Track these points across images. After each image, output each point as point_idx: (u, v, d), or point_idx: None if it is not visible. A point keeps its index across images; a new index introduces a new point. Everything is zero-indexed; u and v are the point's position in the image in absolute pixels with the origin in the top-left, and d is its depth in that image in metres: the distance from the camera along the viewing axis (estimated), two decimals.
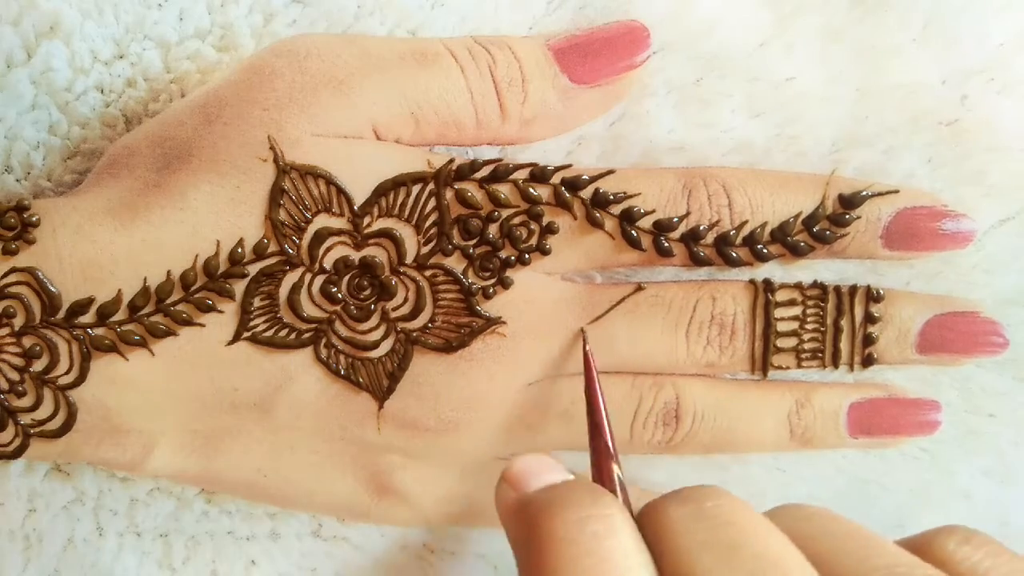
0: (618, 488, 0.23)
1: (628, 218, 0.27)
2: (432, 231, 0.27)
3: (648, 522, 0.20)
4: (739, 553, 0.18)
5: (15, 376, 0.26)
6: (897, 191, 0.28)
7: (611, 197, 0.27)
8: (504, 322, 0.27)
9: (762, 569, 0.18)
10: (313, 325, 0.27)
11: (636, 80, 0.28)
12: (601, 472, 0.24)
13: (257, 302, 0.26)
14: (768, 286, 0.29)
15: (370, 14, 0.28)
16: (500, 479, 0.22)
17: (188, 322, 0.26)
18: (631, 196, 0.27)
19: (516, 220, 0.27)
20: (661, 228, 0.27)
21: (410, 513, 0.30)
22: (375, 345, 0.27)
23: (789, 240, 0.28)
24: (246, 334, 0.26)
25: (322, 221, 0.26)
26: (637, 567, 0.19)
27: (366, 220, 0.26)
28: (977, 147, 0.29)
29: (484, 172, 0.27)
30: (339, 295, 0.27)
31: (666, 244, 0.28)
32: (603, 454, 0.24)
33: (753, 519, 0.19)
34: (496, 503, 0.22)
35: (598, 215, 0.27)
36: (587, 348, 0.27)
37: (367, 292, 0.27)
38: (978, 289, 0.30)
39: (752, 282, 0.29)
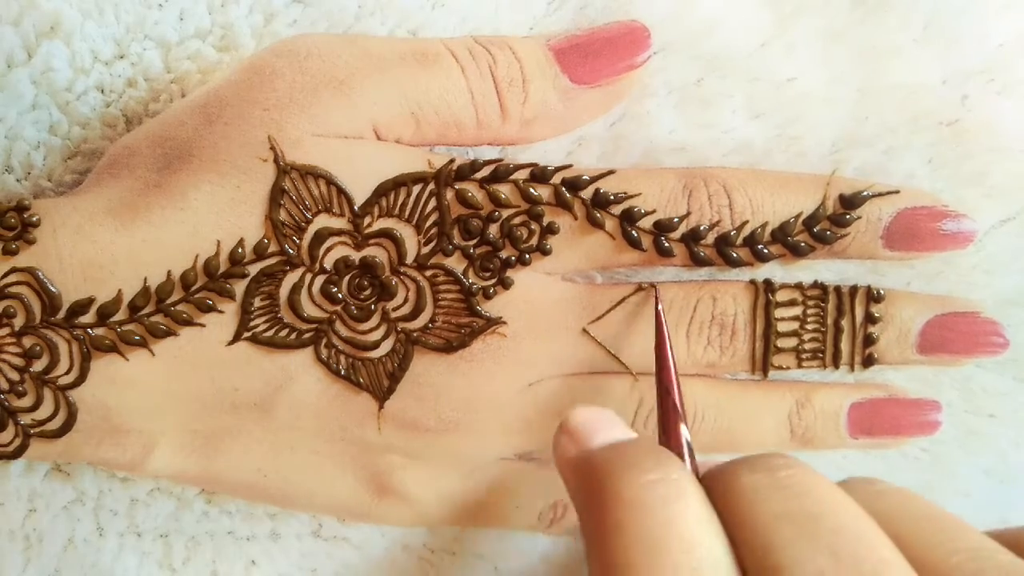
0: (686, 450, 0.23)
1: (629, 218, 0.27)
2: (432, 231, 0.27)
3: (717, 488, 0.20)
4: (820, 525, 0.18)
5: (15, 376, 0.26)
6: (898, 191, 0.28)
7: (612, 197, 0.27)
8: (504, 322, 0.27)
9: (845, 543, 0.17)
10: (313, 325, 0.27)
11: (637, 80, 0.28)
12: (669, 433, 0.23)
13: (257, 302, 0.26)
14: (769, 286, 0.29)
15: (371, 14, 0.28)
16: (559, 430, 0.22)
17: (188, 322, 0.26)
18: (632, 196, 0.27)
19: (516, 220, 0.27)
20: (662, 228, 0.27)
21: (410, 513, 0.30)
22: (375, 345, 0.27)
23: (790, 240, 0.28)
24: (246, 334, 0.26)
25: (322, 221, 0.26)
26: (707, 535, 0.18)
27: (366, 220, 0.26)
28: (978, 147, 0.29)
29: (485, 172, 0.27)
30: (339, 295, 0.27)
31: (667, 244, 0.28)
32: (672, 414, 0.24)
33: (830, 491, 0.19)
34: (555, 455, 0.22)
35: (599, 215, 0.27)
36: (659, 307, 0.27)
37: (367, 292, 0.27)
38: (979, 289, 0.30)
39: (753, 282, 0.29)
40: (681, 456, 0.23)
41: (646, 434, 0.29)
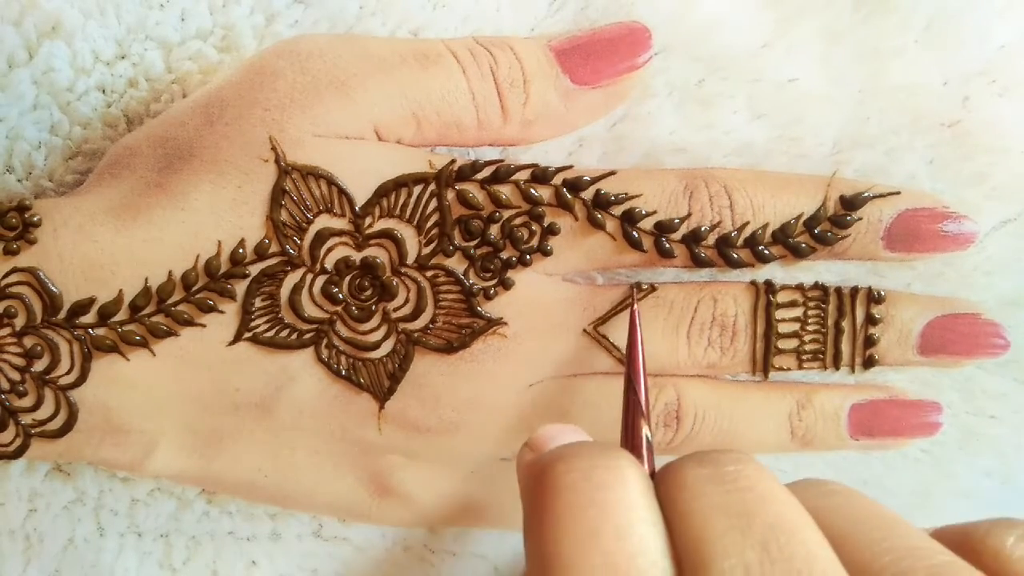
0: (644, 445, 0.23)
1: (629, 219, 0.27)
2: (433, 232, 0.27)
3: (664, 481, 0.20)
4: (754, 520, 0.18)
5: (16, 376, 0.26)
6: (898, 192, 0.28)
7: (612, 198, 0.27)
8: (505, 323, 0.27)
9: (776, 538, 0.17)
10: (314, 325, 0.27)
11: (638, 81, 0.28)
12: (629, 429, 0.23)
13: (258, 302, 0.26)
14: (769, 287, 0.29)
15: (372, 15, 0.28)
16: (523, 445, 0.22)
17: (189, 322, 0.26)
18: (632, 197, 0.27)
19: (517, 221, 0.27)
20: (662, 229, 0.27)
21: (411, 513, 0.30)
22: (376, 346, 0.27)
23: (790, 241, 0.28)
24: (247, 334, 0.26)
25: (323, 222, 0.26)
26: (641, 522, 0.18)
27: (367, 221, 0.26)
28: (979, 149, 0.29)
29: (485, 173, 0.27)
30: (340, 296, 0.27)
31: (667, 245, 0.28)
32: (634, 411, 0.24)
33: (772, 487, 0.19)
34: (516, 467, 0.22)
35: (599, 216, 0.27)
36: (635, 306, 0.27)
37: (368, 293, 0.27)
38: (979, 291, 0.30)
39: (753, 283, 0.29)
40: (640, 453, 0.23)
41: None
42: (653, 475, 0.21)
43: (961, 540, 0.20)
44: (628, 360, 0.25)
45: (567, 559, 0.18)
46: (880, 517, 0.19)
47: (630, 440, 0.23)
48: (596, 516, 0.18)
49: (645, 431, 0.23)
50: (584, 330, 0.28)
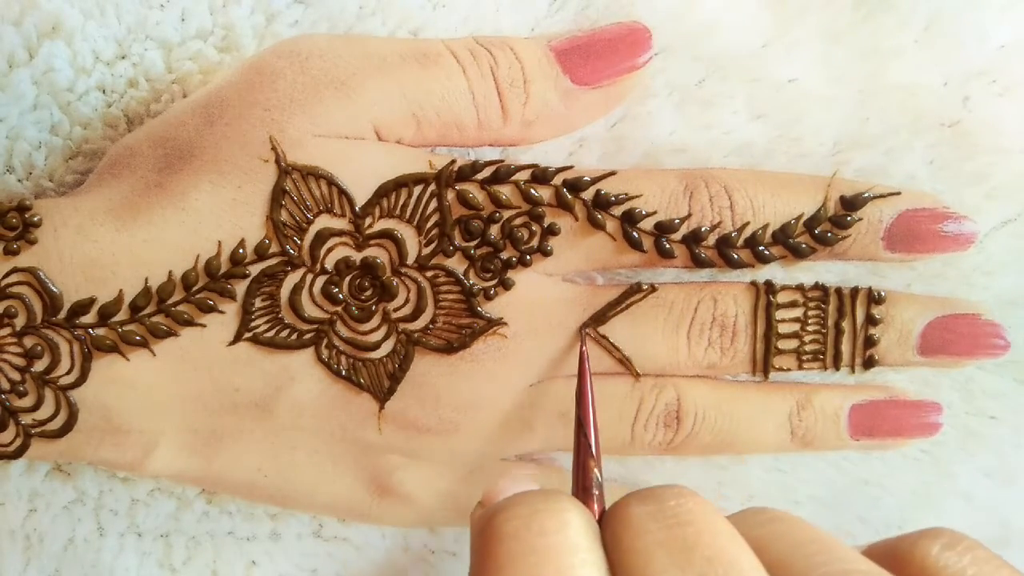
0: (594, 486, 0.23)
1: (629, 219, 0.27)
2: (433, 232, 0.27)
3: (611, 520, 0.20)
4: (692, 554, 0.18)
5: (16, 376, 0.26)
6: (898, 193, 0.28)
7: (612, 198, 0.27)
8: (505, 323, 0.27)
9: (713, 571, 0.18)
10: (314, 326, 0.27)
11: (638, 81, 0.28)
12: (578, 469, 0.24)
13: (258, 302, 0.26)
14: (769, 288, 0.29)
15: (372, 15, 0.28)
16: (477, 503, 0.22)
17: (189, 322, 0.26)
18: (632, 197, 0.27)
19: (517, 221, 0.27)
20: (662, 229, 0.27)
21: (411, 514, 0.30)
22: (376, 346, 0.27)
23: (790, 242, 0.28)
24: (247, 334, 0.26)
25: (323, 222, 0.26)
26: (583, 565, 0.18)
27: (367, 221, 0.26)
28: (979, 149, 0.29)
29: (485, 173, 0.27)
30: (340, 296, 0.27)
31: (667, 245, 0.28)
32: (583, 451, 0.24)
33: (712, 521, 0.19)
34: (470, 525, 0.22)
35: (599, 216, 0.27)
36: (583, 348, 0.27)
37: (368, 293, 0.27)
38: (979, 291, 0.30)
39: (753, 284, 0.29)
40: (591, 494, 0.23)
41: (645, 437, 0.29)
42: (603, 516, 0.21)
43: (891, 554, 0.20)
44: (578, 401, 0.25)
45: None
46: (817, 541, 0.19)
47: (580, 481, 0.23)
48: (537, 562, 0.18)
49: (595, 473, 0.23)
50: (581, 331, 0.28)
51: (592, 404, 0.25)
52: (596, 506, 0.23)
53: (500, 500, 0.20)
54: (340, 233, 0.26)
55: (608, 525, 0.20)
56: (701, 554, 0.18)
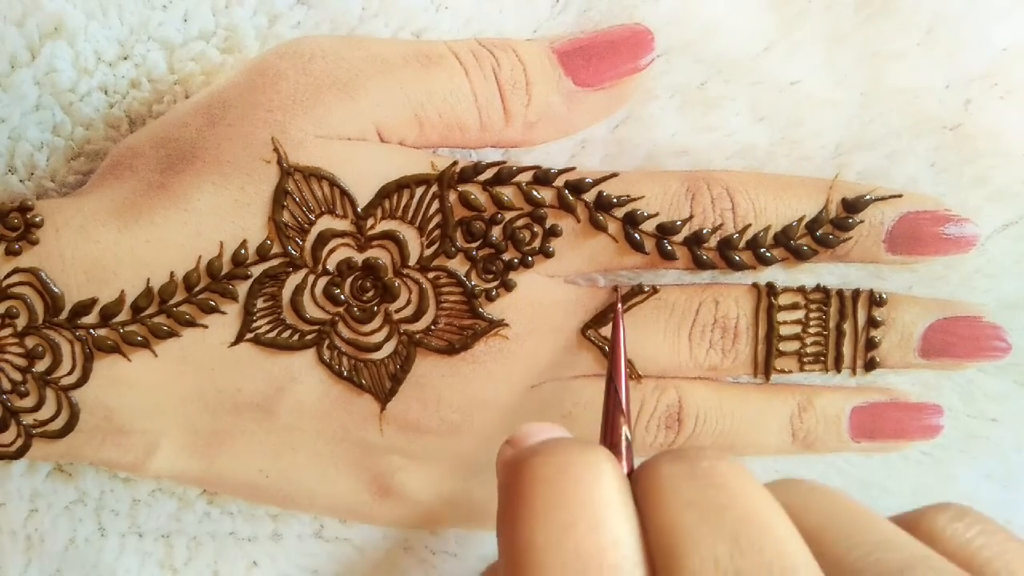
0: (623, 443, 0.23)
1: (631, 221, 0.27)
2: (435, 233, 0.27)
3: (640, 478, 0.20)
4: (724, 514, 0.18)
5: (18, 376, 0.26)
6: (900, 195, 0.28)
7: (614, 200, 0.27)
8: (507, 324, 0.27)
9: (746, 532, 0.17)
10: (316, 327, 0.27)
11: (640, 83, 0.28)
12: (607, 426, 0.23)
13: (260, 303, 0.26)
14: (771, 290, 0.29)
15: (374, 16, 0.28)
16: (504, 442, 0.22)
17: (191, 323, 0.26)
18: (634, 199, 0.27)
19: (519, 223, 0.27)
20: (664, 231, 0.27)
21: (412, 514, 0.30)
22: (378, 347, 0.27)
23: (792, 244, 0.28)
24: (249, 335, 0.26)
25: (325, 223, 0.26)
26: (615, 517, 0.18)
27: (369, 222, 0.26)
28: (980, 152, 0.29)
29: (488, 174, 0.27)
30: (342, 297, 0.27)
31: (669, 247, 0.28)
32: (614, 410, 0.23)
33: (746, 484, 0.19)
34: (496, 463, 0.22)
35: (601, 218, 0.27)
36: (619, 306, 0.27)
37: (370, 294, 0.27)
38: (981, 293, 0.31)
39: (755, 286, 0.29)
40: (619, 451, 0.22)
41: (646, 438, 0.29)
42: (631, 473, 0.21)
43: (905, 527, 0.20)
44: (611, 359, 0.25)
45: (541, 551, 0.18)
46: (855, 512, 0.19)
47: (609, 438, 0.23)
48: (571, 509, 0.18)
49: (624, 429, 0.23)
50: (583, 333, 0.28)
51: (624, 362, 0.25)
52: (624, 464, 0.22)
53: (533, 443, 0.20)
54: (342, 234, 0.26)
55: (639, 482, 0.19)
56: (733, 514, 0.18)
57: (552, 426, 0.22)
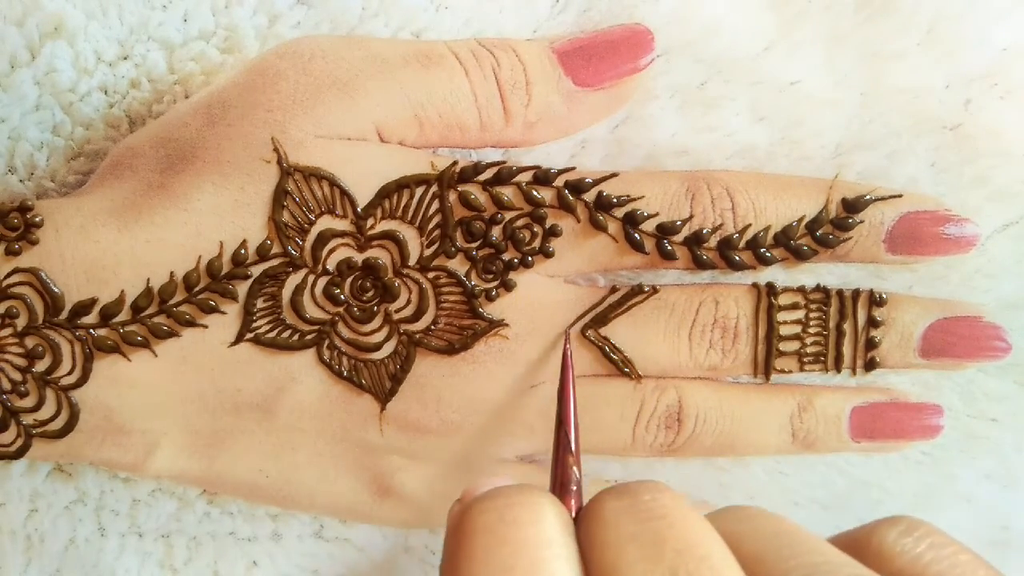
0: (572, 482, 0.23)
1: (631, 221, 0.27)
2: (435, 233, 0.27)
3: (585, 516, 0.20)
4: (663, 547, 0.18)
5: (18, 376, 0.26)
6: (900, 195, 0.28)
7: (614, 200, 0.27)
8: (507, 324, 0.27)
9: (684, 564, 0.17)
10: (316, 327, 0.27)
11: (640, 83, 0.28)
12: (557, 465, 0.23)
13: (260, 303, 0.26)
14: (771, 290, 0.29)
15: (374, 16, 0.28)
16: (455, 501, 0.22)
17: (191, 323, 0.26)
18: (634, 199, 0.27)
19: (519, 223, 0.27)
20: (664, 231, 0.27)
21: (412, 514, 0.30)
22: (378, 347, 0.27)
23: (792, 244, 0.28)
24: (249, 335, 0.26)
25: (325, 223, 0.26)
26: (555, 558, 0.18)
27: (369, 222, 0.26)
28: (980, 152, 0.29)
29: (488, 174, 0.27)
30: (342, 297, 0.27)
31: (669, 247, 0.28)
32: (563, 447, 0.24)
33: (686, 515, 0.19)
34: (447, 521, 0.22)
35: (601, 218, 0.27)
36: (567, 347, 0.27)
37: (370, 294, 0.27)
38: (981, 293, 0.31)
39: (755, 285, 0.29)
40: (569, 490, 0.23)
41: (647, 438, 0.29)
42: (579, 507, 0.21)
43: (852, 543, 0.20)
44: (560, 399, 0.25)
45: None
46: (793, 536, 0.19)
47: (559, 478, 0.23)
48: (510, 553, 0.18)
49: (573, 469, 0.23)
50: (583, 333, 0.28)
51: (573, 402, 0.25)
52: (574, 503, 0.22)
53: (479, 495, 0.20)
54: (342, 234, 0.26)
55: (583, 520, 0.20)
56: (672, 547, 0.18)
57: (501, 477, 0.22)
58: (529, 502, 0.19)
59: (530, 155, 0.29)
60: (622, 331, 0.28)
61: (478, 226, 0.27)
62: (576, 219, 0.27)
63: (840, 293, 0.29)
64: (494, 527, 0.19)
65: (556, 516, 0.19)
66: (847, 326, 0.29)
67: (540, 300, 0.28)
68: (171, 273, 0.26)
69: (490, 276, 0.27)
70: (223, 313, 0.26)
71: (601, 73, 0.27)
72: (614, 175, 0.27)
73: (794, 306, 0.29)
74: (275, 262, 0.26)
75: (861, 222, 0.28)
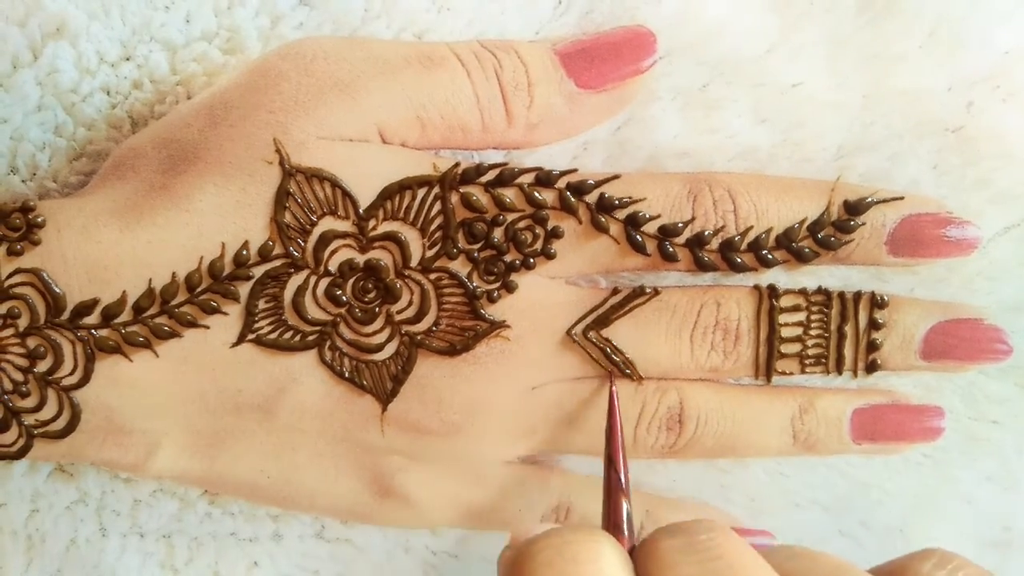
0: (624, 522, 0.23)
1: (633, 223, 0.27)
2: (437, 234, 0.27)
3: (641, 554, 0.20)
4: None
5: (19, 377, 0.26)
6: (902, 197, 0.28)
7: (616, 202, 0.27)
8: (508, 326, 0.27)
9: None
10: (317, 327, 0.27)
11: (642, 85, 0.28)
12: (609, 506, 0.24)
13: (262, 304, 0.26)
14: (773, 292, 0.29)
15: (376, 17, 0.28)
16: (504, 546, 0.22)
17: (192, 324, 0.26)
18: (636, 201, 0.27)
19: (521, 224, 0.27)
20: (666, 233, 0.27)
21: (413, 515, 0.30)
22: (379, 348, 0.27)
23: (794, 246, 0.28)
24: (250, 336, 0.26)
25: (327, 224, 0.26)
26: None
27: (371, 223, 0.26)
28: (982, 154, 0.29)
29: (490, 176, 0.27)
30: (344, 298, 0.27)
31: (671, 249, 0.28)
32: (614, 488, 0.24)
33: (743, 554, 0.19)
34: (497, 567, 0.22)
35: (603, 219, 0.27)
36: (613, 388, 0.28)
37: (372, 295, 0.27)
38: (982, 296, 0.31)
39: (757, 287, 0.29)
40: (622, 530, 0.23)
41: (648, 440, 0.29)
42: (632, 551, 0.21)
43: (898, 573, 0.21)
44: (608, 439, 0.26)
45: None
46: (840, 570, 0.20)
47: (611, 517, 0.24)
48: None
49: (626, 507, 0.24)
50: (585, 334, 0.28)
51: (622, 442, 0.26)
52: (626, 542, 0.23)
53: (535, 535, 0.21)
54: (344, 235, 0.26)
55: (639, 559, 0.20)
56: None
57: (548, 523, 0.22)
58: (587, 540, 0.20)
59: (532, 157, 0.29)
60: (624, 332, 0.28)
61: (480, 227, 0.27)
62: (578, 221, 0.27)
63: (842, 295, 0.29)
64: (555, 563, 0.19)
65: (615, 554, 0.20)
66: (848, 328, 0.29)
67: (542, 301, 0.28)
68: (173, 274, 0.26)
69: (492, 277, 0.27)
70: (225, 314, 0.26)
71: (603, 75, 0.27)
72: (616, 177, 0.27)
73: (795, 308, 0.29)
74: (277, 263, 0.26)
75: (863, 224, 0.28)
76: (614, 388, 0.27)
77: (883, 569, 0.21)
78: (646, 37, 0.28)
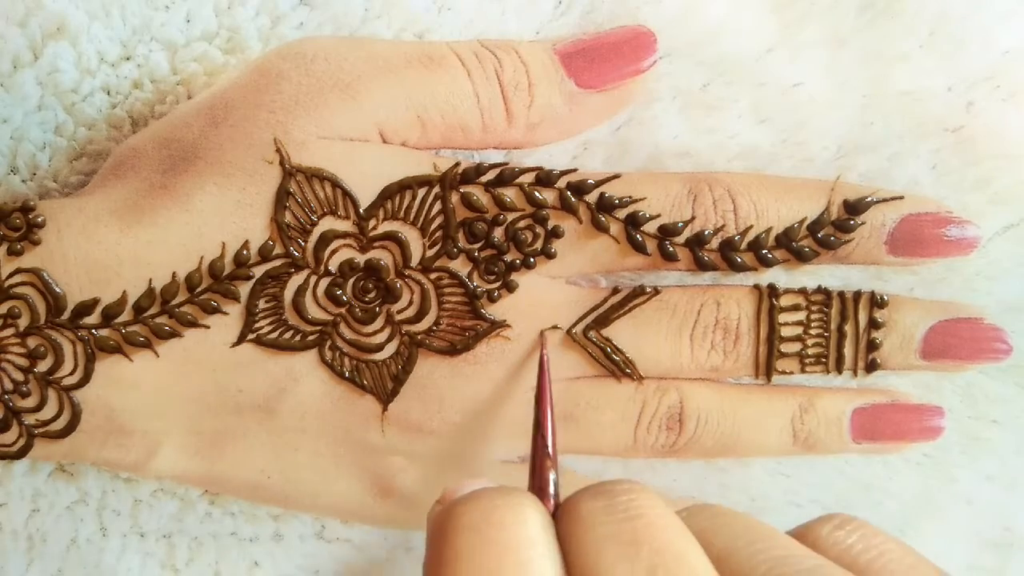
0: (550, 484, 0.23)
1: (633, 222, 0.27)
2: (437, 234, 0.27)
3: (563, 517, 0.20)
4: (642, 547, 0.18)
5: (20, 376, 0.26)
6: (902, 197, 0.28)
7: (616, 201, 0.27)
8: (509, 325, 0.27)
9: (663, 563, 0.18)
10: (318, 327, 0.27)
11: (642, 85, 0.28)
12: (535, 469, 0.24)
13: (262, 304, 0.26)
14: (773, 291, 0.29)
15: (377, 17, 0.28)
16: (434, 502, 0.22)
17: (193, 324, 0.26)
18: (636, 200, 0.27)
19: (521, 224, 0.27)
20: (666, 232, 0.27)
21: (413, 515, 0.30)
22: (380, 348, 0.27)
23: (794, 245, 0.28)
24: (251, 336, 0.26)
25: (327, 223, 0.26)
26: (540, 558, 0.19)
27: (371, 223, 0.26)
28: (982, 154, 0.29)
29: (490, 176, 0.27)
30: (344, 297, 0.27)
31: (671, 249, 0.28)
32: (541, 452, 0.24)
33: (661, 514, 0.19)
34: (427, 523, 0.22)
35: (603, 219, 0.27)
36: (543, 352, 0.27)
37: (372, 295, 0.27)
38: (982, 296, 0.31)
39: (757, 287, 0.29)
40: (547, 493, 0.23)
41: (648, 440, 0.29)
42: (556, 512, 0.21)
43: (797, 539, 0.21)
44: (537, 402, 0.25)
45: None
46: (758, 531, 0.20)
47: (536, 481, 0.23)
48: (496, 554, 0.19)
49: (551, 473, 0.23)
50: (585, 334, 0.28)
51: (550, 406, 0.25)
52: (551, 504, 0.23)
53: (461, 496, 0.21)
54: (344, 235, 0.26)
55: (561, 520, 0.20)
56: (650, 546, 0.18)
57: (480, 480, 0.22)
58: (512, 503, 0.20)
59: (532, 157, 0.29)
60: (624, 332, 0.28)
61: (480, 227, 0.27)
62: (578, 220, 0.27)
63: (841, 295, 0.29)
64: (479, 527, 0.19)
65: (538, 516, 0.20)
66: (848, 328, 0.29)
67: (542, 301, 0.28)
68: (173, 273, 0.26)
69: (492, 277, 0.27)
70: (225, 314, 0.26)
71: (603, 75, 0.27)
72: (616, 176, 0.27)
73: (795, 307, 0.29)
74: (277, 263, 0.26)
75: (862, 224, 0.28)
76: (545, 352, 0.27)
77: (792, 532, 0.21)
78: (646, 37, 0.28)
